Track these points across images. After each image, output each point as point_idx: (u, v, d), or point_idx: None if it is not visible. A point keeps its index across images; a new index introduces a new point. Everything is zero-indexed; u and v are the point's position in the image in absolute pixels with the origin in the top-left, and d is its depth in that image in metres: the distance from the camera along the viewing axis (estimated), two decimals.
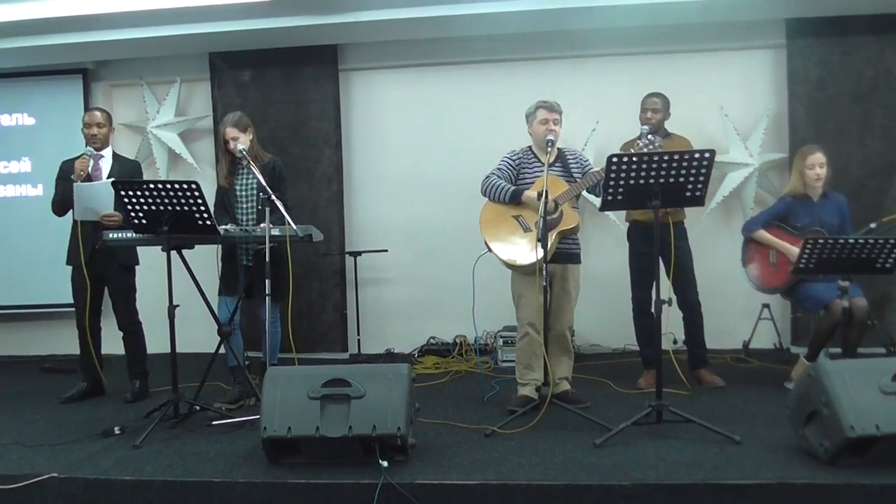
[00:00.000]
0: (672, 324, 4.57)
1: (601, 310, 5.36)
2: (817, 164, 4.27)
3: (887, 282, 4.99)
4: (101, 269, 4.38)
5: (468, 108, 5.75)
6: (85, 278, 4.29)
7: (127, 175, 4.38)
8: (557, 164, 4.04)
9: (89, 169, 4.32)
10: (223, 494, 2.95)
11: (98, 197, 4.20)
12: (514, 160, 4.08)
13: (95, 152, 4.41)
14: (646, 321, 4.12)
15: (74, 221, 4.35)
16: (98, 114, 4.51)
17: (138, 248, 4.47)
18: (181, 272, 3.86)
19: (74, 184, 4.21)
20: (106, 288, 4.52)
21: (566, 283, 4.02)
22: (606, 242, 5.54)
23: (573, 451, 3.21)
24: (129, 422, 3.78)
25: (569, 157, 4.08)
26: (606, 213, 5.23)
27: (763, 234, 4.37)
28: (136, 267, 4.55)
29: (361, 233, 5.92)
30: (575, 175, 4.00)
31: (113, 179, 4.24)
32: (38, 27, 5.19)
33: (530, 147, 4.12)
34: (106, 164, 4.47)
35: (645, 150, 3.73)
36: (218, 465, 3.14)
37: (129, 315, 4.52)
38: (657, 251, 3.60)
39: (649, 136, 3.78)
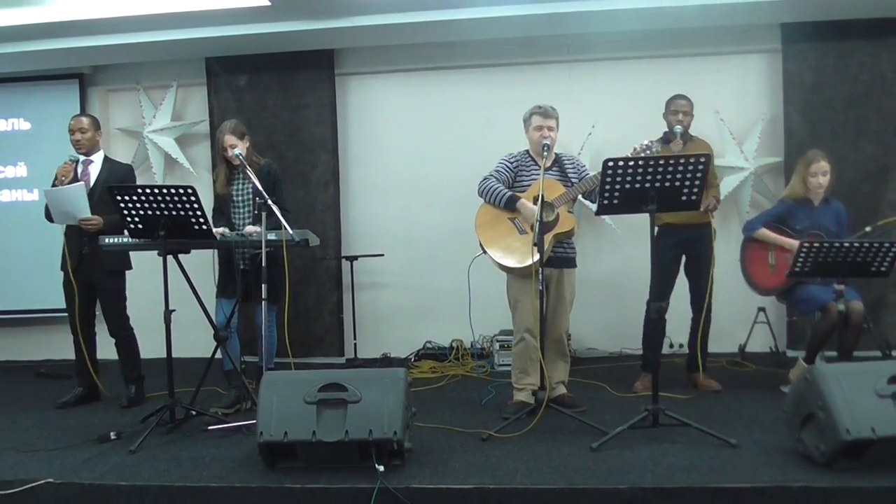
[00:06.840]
0: (669, 327, 4.59)
1: (597, 313, 5.38)
2: (820, 173, 4.26)
3: (882, 285, 5.01)
4: (90, 275, 4.36)
5: (465, 113, 5.74)
6: (72, 284, 4.28)
7: (118, 179, 4.34)
8: (554, 169, 4.05)
9: (77, 174, 4.32)
10: (219, 499, 2.95)
11: (69, 201, 4.17)
12: (512, 163, 4.09)
13: (83, 157, 4.39)
14: (659, 326, 4.13)
15: (67, 227, 4.33)
16: (83, 119, 4.45)
17: (131, 253, 4.45)
18: (177, 276, 3.85)
19: (45, 189, 4.20)
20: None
21: (562, 288, 4.03)
22: (602, 247, 5.56)
23: (570, 454, 3.21)
24: (124, 427, 3.77)
25: (566, 162, 4.10)
26: (602, 217, 5.24)
27: (764, 232, 4.36)
28: (128, 272, 4.52)
29: (358, 237, 5.92)
30: (572, 180, 4.01)
31: (81, 183, 4.24)
32: (34, 32, 5.18)
33: (528, 151, 4.13)
34: (95, 169, 4.42)
35: (643, 153, 3.74)
36: (214, 470, 3.13)
37: (118, 321, 4.48)
38: (656, 255, 3.59)
39: (645, 142, 3.79)
